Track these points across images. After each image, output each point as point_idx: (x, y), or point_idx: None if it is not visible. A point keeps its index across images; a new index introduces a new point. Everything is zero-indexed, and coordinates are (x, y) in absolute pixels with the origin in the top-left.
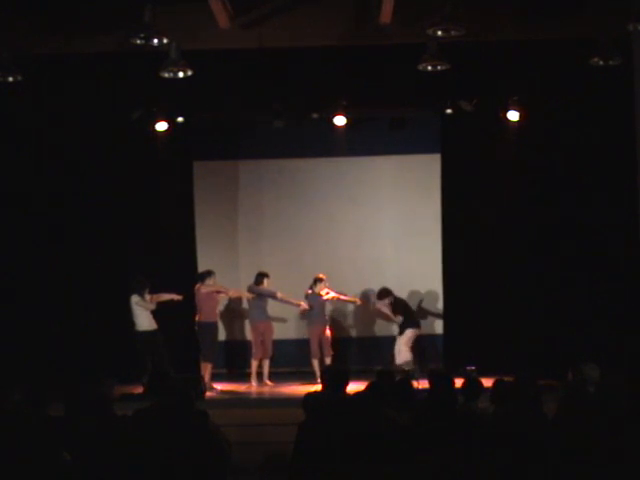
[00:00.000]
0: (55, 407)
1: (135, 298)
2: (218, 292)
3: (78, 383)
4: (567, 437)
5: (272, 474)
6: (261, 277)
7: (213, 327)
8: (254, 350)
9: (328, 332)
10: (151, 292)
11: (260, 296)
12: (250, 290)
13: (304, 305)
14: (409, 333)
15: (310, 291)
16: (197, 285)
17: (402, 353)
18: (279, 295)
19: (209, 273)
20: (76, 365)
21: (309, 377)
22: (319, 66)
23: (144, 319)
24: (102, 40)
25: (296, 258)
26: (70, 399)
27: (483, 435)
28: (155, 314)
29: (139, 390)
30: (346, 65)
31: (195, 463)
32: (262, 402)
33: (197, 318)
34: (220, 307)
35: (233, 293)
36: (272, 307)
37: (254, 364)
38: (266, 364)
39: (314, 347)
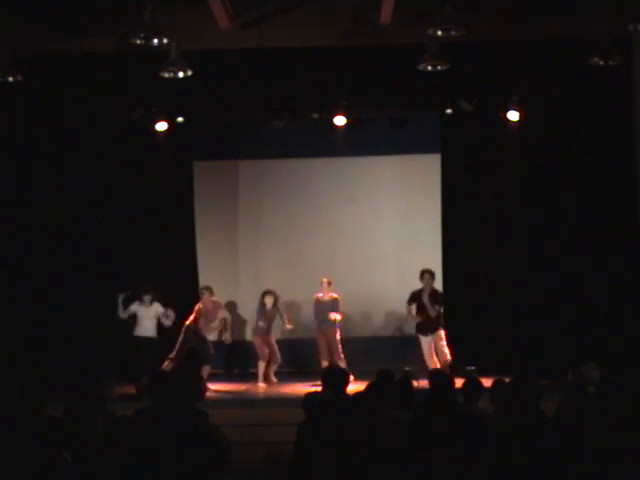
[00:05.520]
0: (55, 407)
1: (135, 306)
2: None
3: (78, 383)
4: (567, 437)
5: (272, 474)
6: (262, 297)
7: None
8: (260, 355)
9: (338, 335)
10: (156, 297)
11: (268, 314)
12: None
13: (289, 327)
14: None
15: (321, 294)
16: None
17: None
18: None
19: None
20: (76, 365)
21: (312, 377)
22: (319, 66)
23: (146, 324)
24: (102, 40)
25: (296, 257)
26: (70, 399)
27: (483, 435)
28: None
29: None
30: (346, 65)
31: (195, 463)
32: (262, 402)
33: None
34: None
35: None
36: None
37: (261, 365)
38: (273, 368)
39: (322, 350)
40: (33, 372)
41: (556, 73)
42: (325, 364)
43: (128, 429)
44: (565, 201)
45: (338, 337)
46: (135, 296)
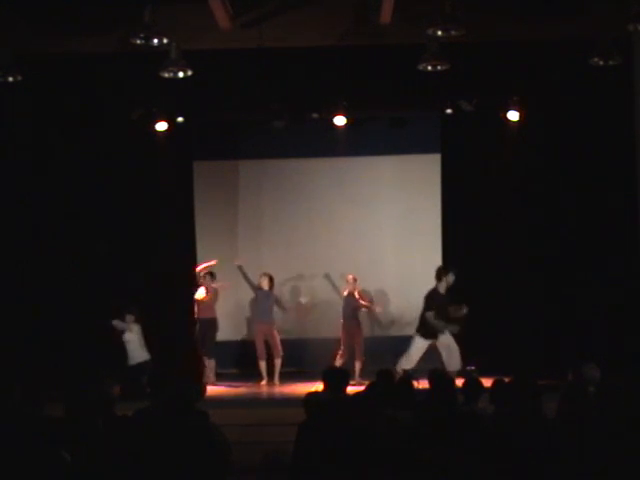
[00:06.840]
0: (55, 407)
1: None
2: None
3: (78, 383)
4: (567, 437)
5: (272, 474)
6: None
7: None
8: (258, 351)
9: (359, 334)
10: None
11: (264, 298)
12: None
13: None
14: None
15: (345, 293)
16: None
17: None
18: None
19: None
20: (76, 365)
21: (312, 377)
22: (319, 66)
23: (135, 350)
24: (102, 40)
25: (296, 257)
26: (70, 399)
27: (483, 435)
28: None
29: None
30: (346, 65)
31: (195, 463)
32: (262, 402)
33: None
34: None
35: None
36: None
37: (262, 364)
38: (277, 364)
39: (344, 348)
40: (33, 372)
41: (556, 73)
42: (340, 362)
43: (128, 429)
44: (565, 201)
45: (360, 336)
46: (118, 315)
